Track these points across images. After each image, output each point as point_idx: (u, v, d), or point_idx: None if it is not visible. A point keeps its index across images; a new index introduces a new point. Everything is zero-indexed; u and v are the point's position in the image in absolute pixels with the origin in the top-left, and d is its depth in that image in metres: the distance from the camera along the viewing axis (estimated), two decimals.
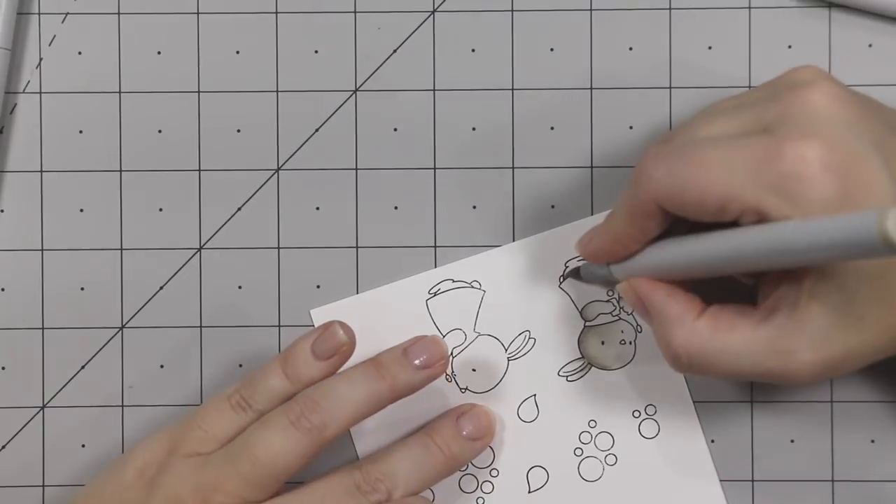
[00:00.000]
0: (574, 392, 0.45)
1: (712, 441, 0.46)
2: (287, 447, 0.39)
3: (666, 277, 0.39)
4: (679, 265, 0.38)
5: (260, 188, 0.46)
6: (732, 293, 0.39)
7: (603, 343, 0.45)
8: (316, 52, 0.46)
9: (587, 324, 0.45)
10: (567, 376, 0.45)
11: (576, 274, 0.45)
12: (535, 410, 0.45)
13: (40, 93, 0.46)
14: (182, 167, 0.46)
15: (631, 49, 0.46)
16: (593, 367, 0.45)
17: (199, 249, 0.46)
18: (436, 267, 0.46)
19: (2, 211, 0.46)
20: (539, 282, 0.45)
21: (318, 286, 0.46)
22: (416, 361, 0.42)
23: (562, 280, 0.45)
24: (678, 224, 0.38)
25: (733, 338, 0.37)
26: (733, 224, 0.36)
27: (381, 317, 0.45)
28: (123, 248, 0.46)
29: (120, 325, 0.46)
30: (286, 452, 0.39)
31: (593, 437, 0.45)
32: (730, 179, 0.35)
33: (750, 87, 0.45)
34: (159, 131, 0.46)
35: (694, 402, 0.45)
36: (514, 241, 0.46)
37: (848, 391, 0.45)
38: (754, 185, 0.35)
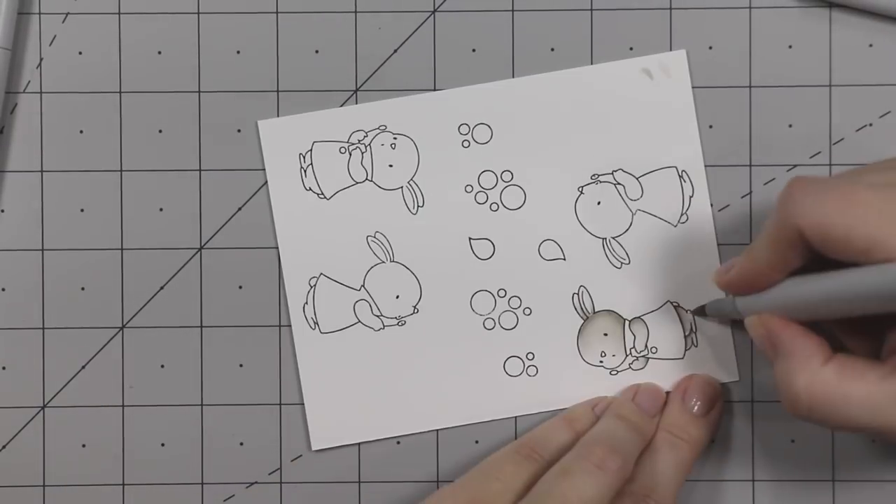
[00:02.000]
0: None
1: (713, 441, 0.46)
2: (598, 491, 0.40)
3: (794, 316, 0.38)
4: (812, 301, 0.37)
5: (261, 188, 0.46)
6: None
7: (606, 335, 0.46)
8: (316, 52, 0.46)
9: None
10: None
11: (701, 312, 0.45)
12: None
13: (40, 93, 0.46)
14: (182, 167, 0.46)
15: (631, 49, 0.46)
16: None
17: (200, 249, 0.46)
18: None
19: (2, 211, 0.46)
20: None
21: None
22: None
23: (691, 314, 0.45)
24: (812, 266, 0.38)
25: (859, 388, 0.36)
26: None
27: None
28: (123, 248, 0.46)
29: (120, 325, 0.46)
30: (598, 496, 0.40)
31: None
32: (880, 224, 0.34)
33: (750, 86, 0.45)
34: (159, 131, 0.46)
35: None
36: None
37: None
38: None
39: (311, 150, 0.46)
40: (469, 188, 0.46)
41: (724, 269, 0.41)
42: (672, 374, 0.45)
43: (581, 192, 0.45)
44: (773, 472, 0.46)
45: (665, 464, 0.42)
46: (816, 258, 0.37)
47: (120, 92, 0.46)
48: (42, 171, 0.46)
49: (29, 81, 0.46)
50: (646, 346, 0.45)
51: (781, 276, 0.38)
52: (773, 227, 0.38)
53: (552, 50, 0.46)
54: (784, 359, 0.38)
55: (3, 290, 0.46)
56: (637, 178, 0.45)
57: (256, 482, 0.46)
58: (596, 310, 0.45)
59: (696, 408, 0.44)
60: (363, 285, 0.46)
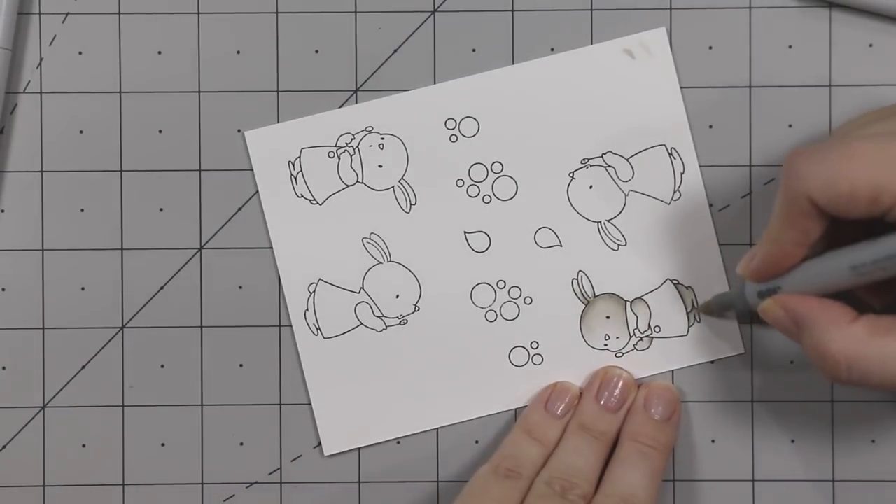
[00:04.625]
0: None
1: (712, 441, 0.46)
2: None
3: (815, 293, 0.39)
4: (833, 273, 0.38)
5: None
6: None
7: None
8: (316, 52, 0.46)
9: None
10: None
11: (707, 310, 0.45)
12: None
13: (40, 93, 0.46)
14: (182, 167, 0.46)
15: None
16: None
17: (200, 249, 0.46)
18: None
19: (2, 211, 0.46)
20: None
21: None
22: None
23: (697, 317, 0.46)
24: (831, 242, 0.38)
25: (893, 343, 0.36)
26: (881, 221, 0.36)
27: None
28: (123, 248, 0.46)
29: (120, 325, 0.46)
30: None
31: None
32: (884, 169, 0.35)
33: (750, 86, 0.45)
34: (159, 131, 0.46)
35: (694, 401, 0.45)
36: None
37: (848, 391, 0.45)
38: None
39: (299, 156, 0.46)
40: (460, 182, 0.46)
41: (748, 259, 0.41)
42: (677, 351, 0.45)
43: (572, 178, 0.45)
44: (774, 472, 0.46)
45: (640, 474, 0.42)
46: (831, 235, 0.38)
47: (120, 92, 0.46)
48: (42, 171, 0.46)
49: (29, 81, 0.46)
50: (649, 325, 0.45)
51: (804, 250, 0.39)
52: (783, 201, 0.38)
53: (552, 50, 0.46)
54: (811, 330, 0.38)
55: (3, 290, 0.46)
56: (627, 159, 0.45)
57: (256, 482, 0.46)
58: (596, 294, 0.46)
59: (658, 415, 0.44)
60: (362, 287, 0.46)
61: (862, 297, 0.40)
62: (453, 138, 0.45)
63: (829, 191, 0.36)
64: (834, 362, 0.37)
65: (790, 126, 0.45)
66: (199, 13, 0.46)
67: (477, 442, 0.46)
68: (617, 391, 0.44)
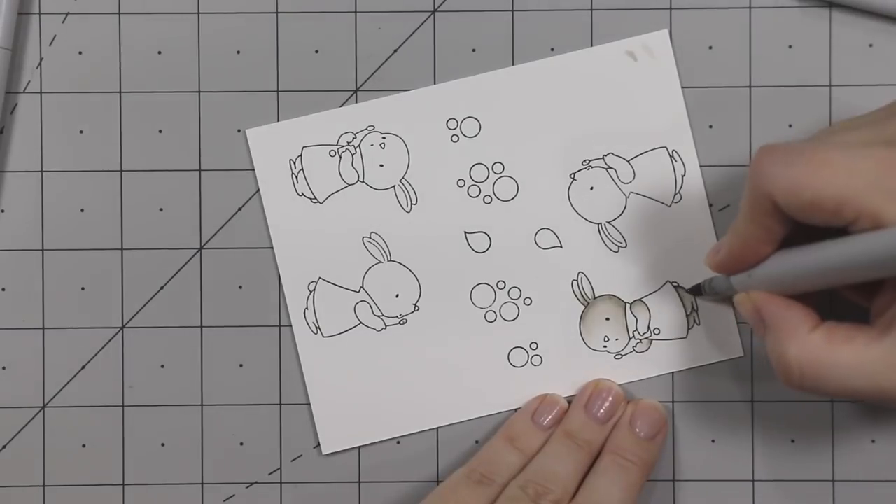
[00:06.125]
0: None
1: (712, 441, 0.46)
2: None
3: (784, 291, 0.39)
4: (797, 273, 0.38)
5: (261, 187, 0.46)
6: (846, 317, 0.39)
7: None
8: (316, 52, 0.46)
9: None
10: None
11: (697, 290, 0.45)
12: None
13: (40, 93, 0.46)
14: (182, 167, 0.46)
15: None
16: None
17: (200, 249, 0.46)
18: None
19: (2, 211, 0.46)
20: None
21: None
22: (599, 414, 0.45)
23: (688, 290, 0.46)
24: (802, 235, 0.38)
25: (847, 352, 0.36)
26: (843, 231, 0.36)
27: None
28: (123, 248, 0.46)
29: (120, 325, 0.46)
30: None
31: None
32: (849, 182, 0.35)
33: (750, 86, 0.45)
34: (159, 131, 0.46)
35: (694, 400, 0.45)
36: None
37: None
38: (873, 191, 0.34)
39: (300, 155, 0.46)
40: (461, 182, 0.46)
41: (714, 251, 0.41)
42: (676, 354, 0.45)
43: (573, 179, 0.45)
44: (773, 472, 0.46)
45: (617, 486, 0.42)
46: (802, 226, 0.37)
47: (120, 92, 0.46)
48: (42, 171, 0.46)
49: (29, 81, 0.46)
50: (648, 327, 0.45)
51: (769, 247, 0.39)
52: (748, 198, 0.38)
53: (552, 50, 0.46)
54: (773, 331, 0.38)
55: (3, 290, 0.46)
56: (628, 161, 0.45)
57: (256, 482, 0.46)
58: (596, 295, 0.46)
59: (642, 433, 0.44)
60: (362, 286, 0.46)
61: (849, 297, 0.40)
62: (455, 138, 0.45)
63: (792, 196, 0.36)
64: (787, 368, 0.37)
65: (790, 126, 0.45)
66: (199, 13, 0.46)
67: (477, 442, 0.46)
68: (607, 403, 0.44)
